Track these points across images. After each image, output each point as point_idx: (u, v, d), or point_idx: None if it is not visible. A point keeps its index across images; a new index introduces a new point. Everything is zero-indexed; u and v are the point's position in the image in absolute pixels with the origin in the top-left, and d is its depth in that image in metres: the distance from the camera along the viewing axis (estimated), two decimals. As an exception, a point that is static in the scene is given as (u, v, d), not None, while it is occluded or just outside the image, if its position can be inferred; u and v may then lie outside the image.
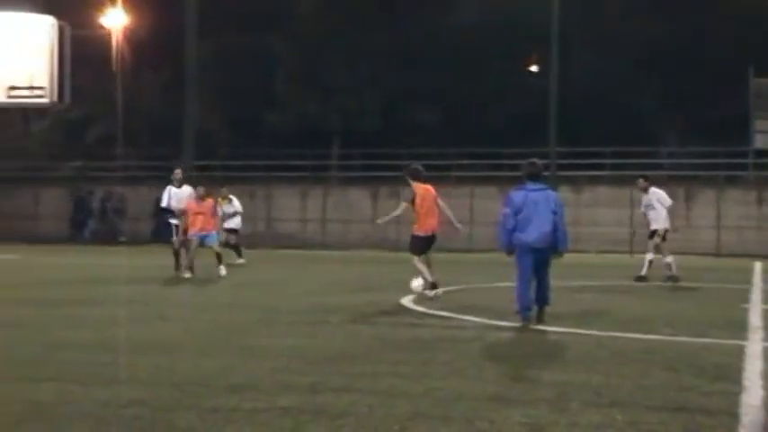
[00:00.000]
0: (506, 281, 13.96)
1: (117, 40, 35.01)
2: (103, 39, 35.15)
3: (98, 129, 36.74)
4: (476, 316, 11.86)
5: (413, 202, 14.14)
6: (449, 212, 14.62)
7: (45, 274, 18.61)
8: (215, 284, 16.64)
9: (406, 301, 13.69)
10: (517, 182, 11.69)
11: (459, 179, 31.52)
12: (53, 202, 34.65)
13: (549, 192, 11.27)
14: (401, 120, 35.54)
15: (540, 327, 10.87)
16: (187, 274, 17.47)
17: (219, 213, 20.80)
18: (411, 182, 14.38)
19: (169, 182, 18.32)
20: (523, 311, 11.02)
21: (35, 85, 35.06)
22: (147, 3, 34.18)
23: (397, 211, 14.51)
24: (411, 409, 6.58)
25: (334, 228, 32.13)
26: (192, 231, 17.96)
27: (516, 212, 10.93)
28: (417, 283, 14.17)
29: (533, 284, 11.09)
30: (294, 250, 28.14)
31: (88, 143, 36.48)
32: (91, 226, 32.37)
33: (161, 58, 35.60)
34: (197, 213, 18.01)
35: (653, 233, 17.69)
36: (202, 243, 18.18)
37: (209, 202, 18.51)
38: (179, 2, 32.94)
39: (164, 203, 18.10)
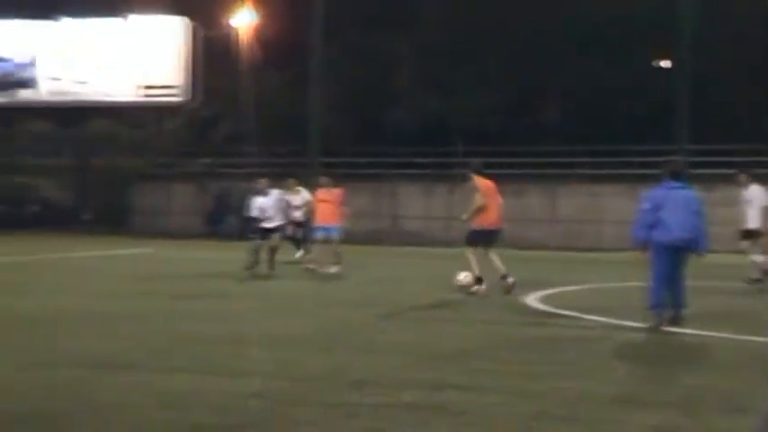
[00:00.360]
0: (635, 281, 13.63)
1: (245, 40, 35.73)
2: (232, 38, 35.93)
3: (226, 127, 37.59)
4: (603, 316, 11.61)
5: (473, 191, 14.20)
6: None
7: (177, 267, 19.12)
8: (339, 280, 16.77)
9: (531, 299, 13.53)
10: (647, 180, 11.40)
11: (584, 177, 31.01)
12: (184, 198, 35.61)
13: (690, 191, 10.92)
14: (525, 117, 35.19)
15: (671, 329, 10.56)
16: (333, 269, 17.51)
17: (284, 204, 20.95)
18: (474, 176, 14.39)
19: (258, 191, 17.94)
20: (655, 310, 10.70)
21: (169, 84, 36.38)
22: (275, 3, 34.78)
23: (477, 204, 14.47)
24: (535, 409, 6.49)
25: (459, 225, 32.04)
26: (318, 224, 18.05)
27: (655, 210, 10.62)
28: (463, 276, 14.12)
29: (668, 285, 10.73)
30: (418, 247, 28.16)
31: (217, 141, 37.36)
32: (228, 222, 33.03)
33: (287, 56, 36.16)
34: (322, 201, 18.08)
35: (750, 232, 16.56)
36: (328, 237, 18.18)
37: (337, 191, 18.38)
38: (306, 2, 33.38)
39: (252, 214, 17.79)
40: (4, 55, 37.29)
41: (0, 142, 40.08)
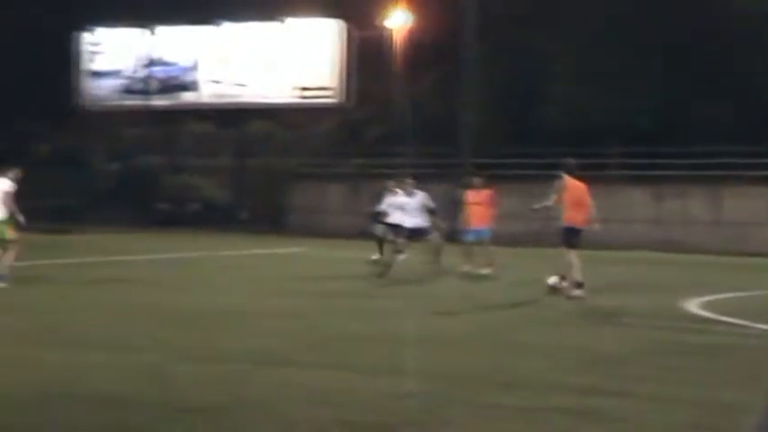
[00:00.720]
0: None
1: (398, 41, 35.98)
2: (386, 39, 36.23)
3: (379, 127, 37.95)
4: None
5: (560, 195, 14.10)
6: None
7: (331, 267, 19.40)
8: (490, 282, 16.66)
9: (692, 305, 13.07)
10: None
11: (750, 178, 29.77)
12: (338, 198, 36.12)
13: None
14: (683, 116, 34.07)
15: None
16: (485, 270, 17.45)
17: (383, 206, 20.80)
18: (564, 176, 14.30)
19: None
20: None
21: (323, 85, 37.06)
22: (427, 4, 34.89)
23: (548, 202, 14.61)
24: (691, 419, 6.26)
25: (614, 227, 31.32)
26: (471, 226, 17.98)
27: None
28: (554, 279, 14.12)
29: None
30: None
31: (370, 142, 37.75)
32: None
33: (439, 56, 36.20)
34: (474, 203, 17.99)
35: None
36: (479, 239, 18.09)
37: (487, 192, 18.25)
38: (457, 2, 33.34)
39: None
40: (169, 59, 38.83)
41: (164, 143, 41.68)
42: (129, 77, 39.22)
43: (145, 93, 38.99)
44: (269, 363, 8.13)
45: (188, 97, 38.83)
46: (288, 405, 6.58)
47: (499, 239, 18.71)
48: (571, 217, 14.11)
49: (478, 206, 17.95)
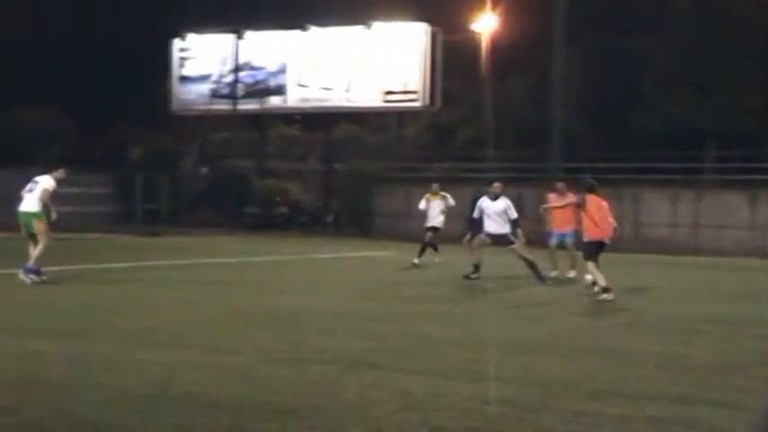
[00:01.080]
0: None
1: (486, 45, 35.80)
2: (472, 43, 36.10)
3: (466, 131, 37.81)
4: None
5: (583, 207, 14.89)
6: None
7: (417, 270, 19.35)
8: (577, 285, 16.42)
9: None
10: None
11: None
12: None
13: None
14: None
15: None
16: (571, 274, 17.28)
17: (423, 207, 20.84)
18: (586, 196, 14.96)
19: (485, 194, 17.56)
20: None
21: (409, 89, 37.09)
22: (515, 7, 34.66)
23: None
24: (795, 431, 6.03)
25: (707, 233, 30.65)
26: (554, 229, 17.86)
27: None
28: (590, 278, 15.00)
29: None
30: (663, 255, 27.14)
31: (457, 145, 37.64)
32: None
33: (528, 60, 35.94)
34: (557, 207, 17.87)
35: None
36: (562, 243, 17.97)
37: (570, 196, 18.13)
38: (547, 5, 33.05)
39: (476, 215, 17.37)
40: (257, 63, 39.33)
41: (253, 147, 42.22)
42: (218, 82, 39.85)
43: (234, 97, 39.56)
44: (359, 365, 8.14)
45: (275, 101, 39.27)
46: (377, 408, 6.58)
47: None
48: (593, 231, 14.71)
49: (561, 210, 17.80)
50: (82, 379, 7.36)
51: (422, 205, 21.24)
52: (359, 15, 36.93)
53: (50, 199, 14.85)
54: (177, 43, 40.32)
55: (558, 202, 17.90)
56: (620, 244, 29.28)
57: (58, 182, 15.01)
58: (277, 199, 39.17)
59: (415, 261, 19.96)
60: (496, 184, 17.24)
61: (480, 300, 14.06)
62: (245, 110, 39.89)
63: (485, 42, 35.73)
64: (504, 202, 16.79)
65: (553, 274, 17.41)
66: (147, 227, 33.15)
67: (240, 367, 7.97)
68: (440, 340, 9.76)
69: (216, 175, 41.31)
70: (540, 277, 16.15)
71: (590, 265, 14.59)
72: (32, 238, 14.71)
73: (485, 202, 16.90)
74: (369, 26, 37.28)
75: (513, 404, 6.73)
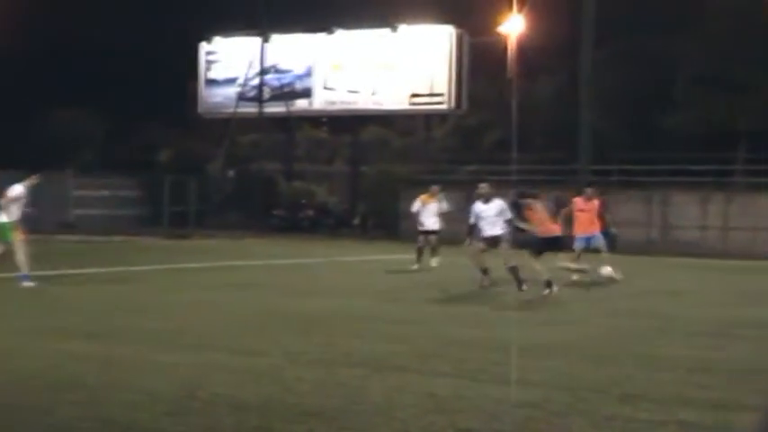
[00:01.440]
0: None
1: (513, 46, 35.67)
2: (499, 45, 35.98)
3: (493, 133, 37.69)
4: None
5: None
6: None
7: (444, 273, 19.22)
8: (608, 289, 16.30)
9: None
10: None
11: None
12: (451, 205, 35.96)
13: None
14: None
15: None
16: (606, 273, 17.15)
17: (416, 209, 20.53)
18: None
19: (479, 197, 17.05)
20: None
21: (435, 91, 37.03)
22: (543, 8, 34.51)
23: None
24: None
25: (738, 236, 30.35)
26: (578, 233, 17.78)
27: None
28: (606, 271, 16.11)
29: None
30: (692, 258, 26.90)
31: (484, 148, 37.54)
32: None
33: (556, 62, 35.79)
34: (581, 211, 17.83)
35: None
36: (587, 246, 17.87)
37: (595, 202, 18.20)
38: (575, 6, 32.90)
39: (471, 221, 16.83)
40: (283, 66, 39.41)
41: (280, 150, 42.31)
42: (244, 85, 39.95)
43: (261, 100, 39.66)
44: (387, 368, 8.11)
45: (302, 104, 39.33)
46: (403, 411, 6.55)
47: (620, 247, 18.37)
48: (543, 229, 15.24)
49: (586, 213, 17.77)
50: (112, 380, 7.38)
51: (415, 207, 20.88)
52: (385, 18, 36.91)
53: (16, 203, 14.91)
54: (204, 46, 40.48)
55: (583, 206, 17.86)
56: (649, 246, 29.24)
57: (31, 188, 15.14)
58: (304, 201, 39.22)
59: (414, 267, 19.65)
60: (483, 185, 16.35)
61: (506, 301, 13.97)
62: (272, 113, 39.98)
63: (511, 44, 35.61)
64: (497, 205, 15.90)
65: (575, 277, 17.18)
66: (175, 229, 33.27)
67: (268, 369, 7.97)
68: (469, 343, 9.71)
69: (243, 177, 41.42)
70: (520, 283, 15.10)
71: (533, 261, 14.90)
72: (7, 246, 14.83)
73: (478, 206, 16.12)
74: (395, 29, 37.25)
75: (542, 407, 6.67)
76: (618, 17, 33.93)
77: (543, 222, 15.31)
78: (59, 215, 32.76)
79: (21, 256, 14.64)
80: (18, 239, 14.77)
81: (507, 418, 6.38)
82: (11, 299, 13.11)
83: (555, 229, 15.45)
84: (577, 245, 17.97)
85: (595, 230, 17.85)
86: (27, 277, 14.51)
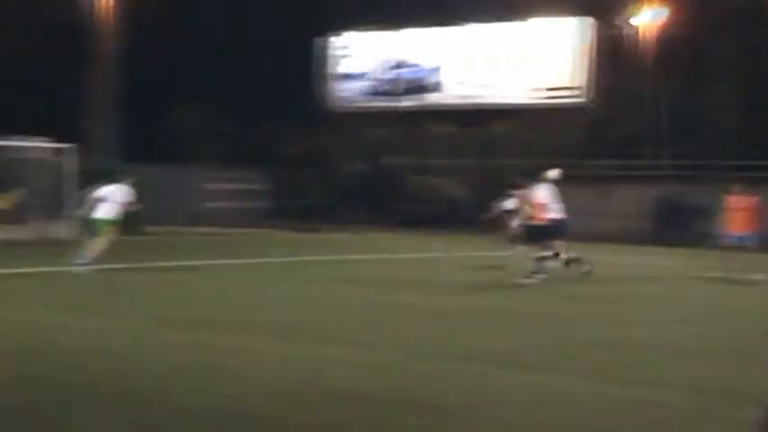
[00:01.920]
0: None
1: (646, 38, 34.78)
2: (634, 37, 35.13)
3: (626, 128, 36.83)
4: None
5: None
6: None
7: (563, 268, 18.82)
8: (749, 288, 15.66)
9: None
10: None
11: None
12: (583, 200, 35.27)
13: None
14: None
15: None
16: (758, 276, 16.53)
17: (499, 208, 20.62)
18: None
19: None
20: None
21: (567, 85, 36.39)
22: (672, 1, 33.67)
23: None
24: None
25: None
26: (730, 231, 17.14)
27: None
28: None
29: None
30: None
31: (616, 142, 36.69)
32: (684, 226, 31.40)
33: (692, 54, 34.75)
34: (737, 209, 17.19)
35: None
36: (739, 244, 17.17)
37: (752, 198, 17.41)
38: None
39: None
40: (414, 60, 39.46)
41: (409, 144, 42.34)
42: (375, 79, 40.17)
43: (391, 94, 39.80)
44: (508, 365, 7.99)
45: (432, 98, 39.30)
46: (519, 407, 6.46)
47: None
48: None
49: (741, 212, 17.13)
50: (234, 370, 7.47)
51: (510, 205, 20.79)
52: (515, 11, 36.50)
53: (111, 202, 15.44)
54: (334, 41, 40.88)
55: (737, 204, 17.25)
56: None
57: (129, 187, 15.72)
58: (430, 197, 39.17)
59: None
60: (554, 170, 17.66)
61: (645, 301, 13.60)
62: (404, 107, 40.06)
63: (645, 36, 34.75)
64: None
65: (721, 274, 16.61)
66: (303, 223, 33.69)
67: (388, 363, 7.94)
68: (597, 341, 9.46)
69: (372, 171, 41.64)
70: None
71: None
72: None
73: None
74: (525, 21, 36.81)
75: (672, 408, 6.49)
76: (752, 8, 32.71)
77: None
78: (189, 208, 33.52)
79: (99, 246, 15.08)
80: (108, 235, 15.22)
81: (635, 417, 6.24)
82: (140, 289, 13.48)
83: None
84: (729, 241, 17.33)
85: (748, 229, 17.19)
86: (85, 264, 14.89)
